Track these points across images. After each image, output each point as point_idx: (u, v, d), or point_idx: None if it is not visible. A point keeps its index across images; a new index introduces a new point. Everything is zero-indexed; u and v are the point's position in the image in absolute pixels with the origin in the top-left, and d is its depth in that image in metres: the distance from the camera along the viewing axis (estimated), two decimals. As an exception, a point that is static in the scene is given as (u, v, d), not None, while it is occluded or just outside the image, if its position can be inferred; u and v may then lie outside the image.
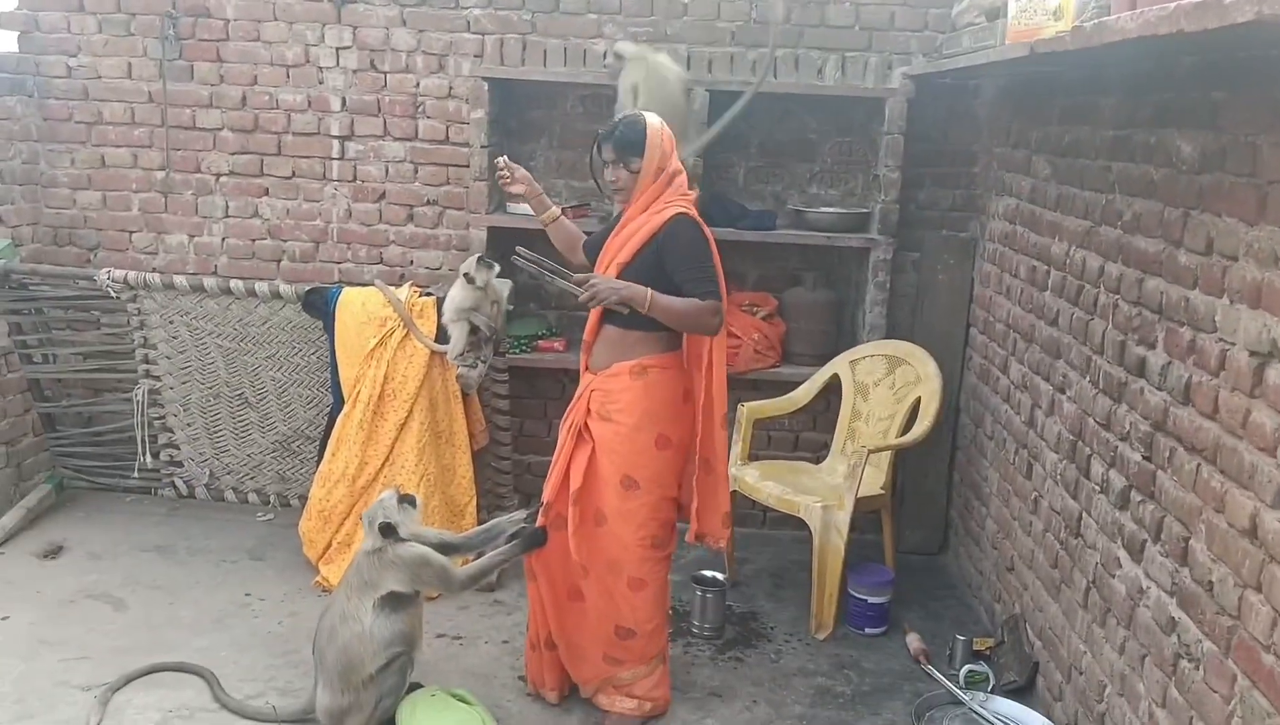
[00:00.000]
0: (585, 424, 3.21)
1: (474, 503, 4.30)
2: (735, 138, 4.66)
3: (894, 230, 4.42)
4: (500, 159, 3.44)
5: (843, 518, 3.81)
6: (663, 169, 3.10)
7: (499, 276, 4.08)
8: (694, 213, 3.11)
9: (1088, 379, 3.27)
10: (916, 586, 4.37)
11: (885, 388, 4.28)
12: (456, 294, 4.05)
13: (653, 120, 3.12)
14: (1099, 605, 3.10)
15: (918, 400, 4.13)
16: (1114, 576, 3.01)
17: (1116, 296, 3.09)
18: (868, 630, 3.96)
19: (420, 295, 4.28)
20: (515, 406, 4.58)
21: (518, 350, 4.58)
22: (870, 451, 3.84)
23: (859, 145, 4.67)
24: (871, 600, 3.94)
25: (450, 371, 4.18)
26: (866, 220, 4.53)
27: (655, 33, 4.56)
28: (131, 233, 4.90)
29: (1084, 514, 3.25)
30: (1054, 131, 3.70)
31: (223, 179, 4.83)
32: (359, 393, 4.16)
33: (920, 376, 4.17)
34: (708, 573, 4.01)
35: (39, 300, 4.59)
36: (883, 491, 4.10)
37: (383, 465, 4.16)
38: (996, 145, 4.38)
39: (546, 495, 3.28)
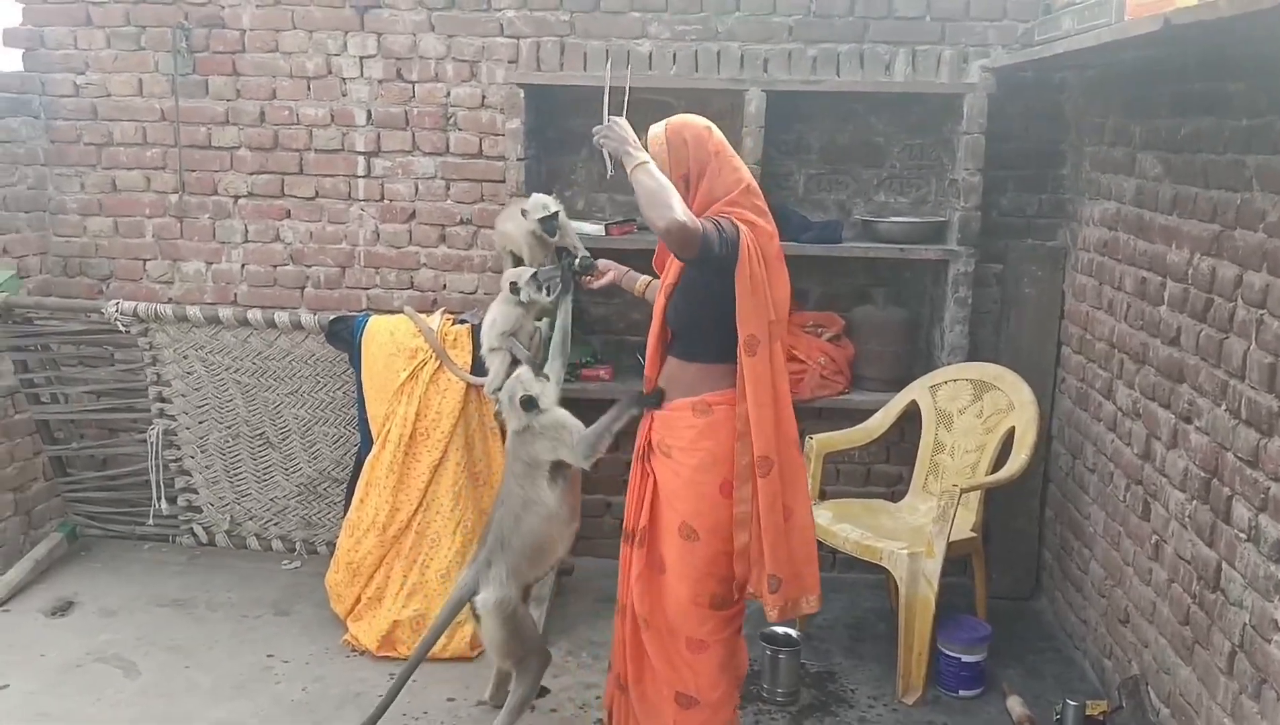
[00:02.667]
0: (648, 453, 2.85)
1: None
2: (795, 143, 4.26)
3: (975, 240, 3.98)
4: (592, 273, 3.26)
5: (933, 566, 3.37)
6: (685, 179, 2.68)
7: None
8: (738, 216, 2.65)
9: (1224, 407, 2.81)
10: (1010, 637, 3.90)
11: (972, 416, 3.84)
12: (496, 313, 3.63)
13: (654, 130, 2.73)
14: (1250, 674, 2.63)
15: (1011, 430, 3.68)
16: (1270, 641, 2.54)
17: (1262, 311, 2.63)
18: (962, 693, 3.51)
19: (453, 323, 3.91)
20: (559, 442, 4.18)
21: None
22: (963, 490, 3.39)
23: (932, 147, 4.24)
24: (966, 659, 3.49)
25: (488, 407, 3.79)
26: (943, 230, 4.09)
27: (704, 31, 4.16)
28: (146, 261, 4.57)
29: (1224, 565, 2.78)
30: (1165, 124, 3.25)
31: (241, 201, 4.49)
32: (388, 432, 3.78)
33: (1013, 403, 3.72)
34: (778, 628, 3.57)
35: (46, 335, 4.26)
36: (974, 534, 3.65)
37: (415, 511, 3.79)
38: (1089, 144, 3.94)
39: (627, 520, 2.97)
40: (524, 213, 3.64)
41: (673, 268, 2.75)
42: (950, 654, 3.51)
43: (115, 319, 4.06)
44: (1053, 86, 4.12)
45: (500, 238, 3.95)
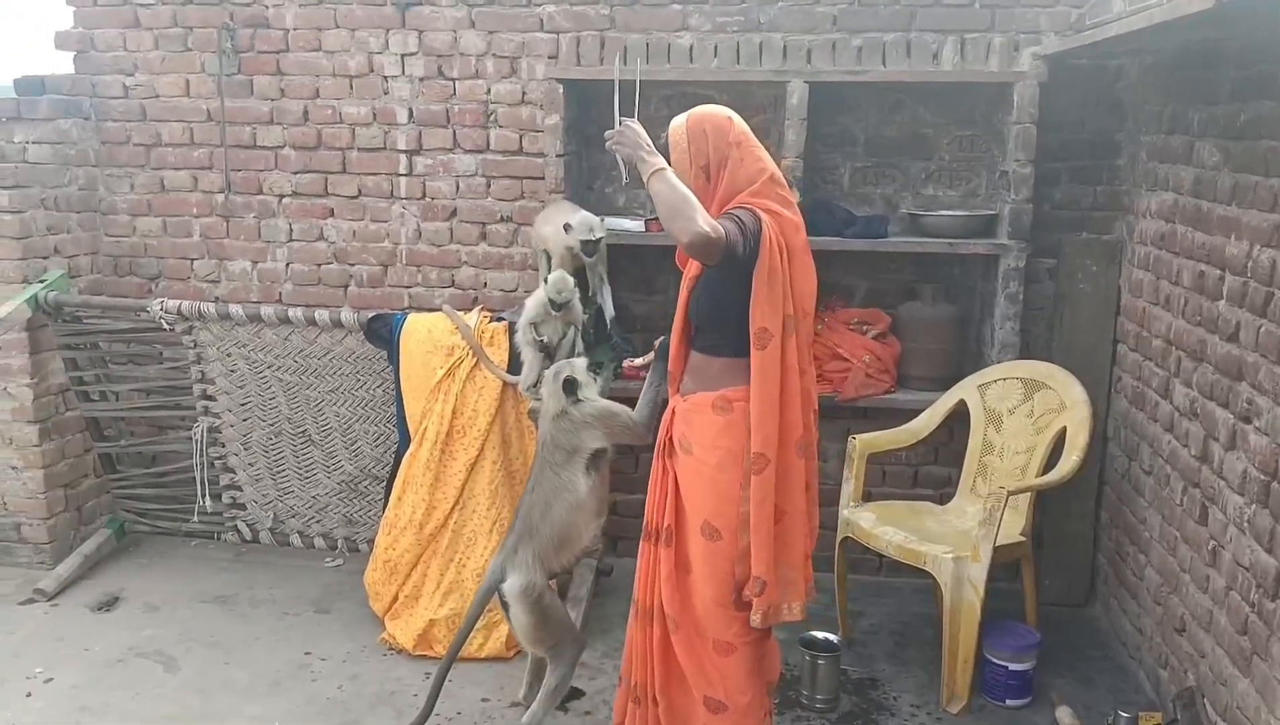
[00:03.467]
0: (669, 449, 2.78)
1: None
2: (839, 135, 4.16)
3: (1026, 234, 3.85)
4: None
5: (978, 571, 3.25)
6: (704, 167, 2.62)
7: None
8: (760, 207, 2.57)
9: (1286, 407, 2.66)
10: (1061, 645, 3.76)
11: (1022, 416, 3.71)
12: (530, 304, 3.64)
13: (675, 122, 2.67)
14: (1313, 689, 2.48)
15: (1062, 430, 3.54)
16: (1334, 655, 2.40)
17: (1327, 305, 2.49)
18: (1009, 702, 3.38)
19: (491, 320, 3.87)
20: (598, 441, 4.13)
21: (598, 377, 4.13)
22: (1010, 493, 3.27)
23: (982, 139, 4.11)
24: (1013, 667, 3.37)
25: (524, 405, 3.76)
26: (993, 223, 3.96)
27: (746, 22, 4.09)
28: (193, 260, 4.62)
29: (1286, 573, 2.64)
30: (1224, 111, 3.10)
31: (285, 200, 4.52)
32: (425, 429, 3.77)
33: (1065, 402, 3.59)
34: (818, 633, 3.47)
35: (94, 333, 4.32)
36: (1023, 538, 3.52)
37: (452, 509, 3.76)
38: (1145, 132, 3.78)
39: (648, 518, 2.88)
40: (567, 227, 3.65)
41: (694, 262, 2.69)
42: (997, 662, 3.39)
43: (160, 317, 4.10)
44: (1108, 74, 3.97)
45: (537, 238, 3.94)
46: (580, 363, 3.18)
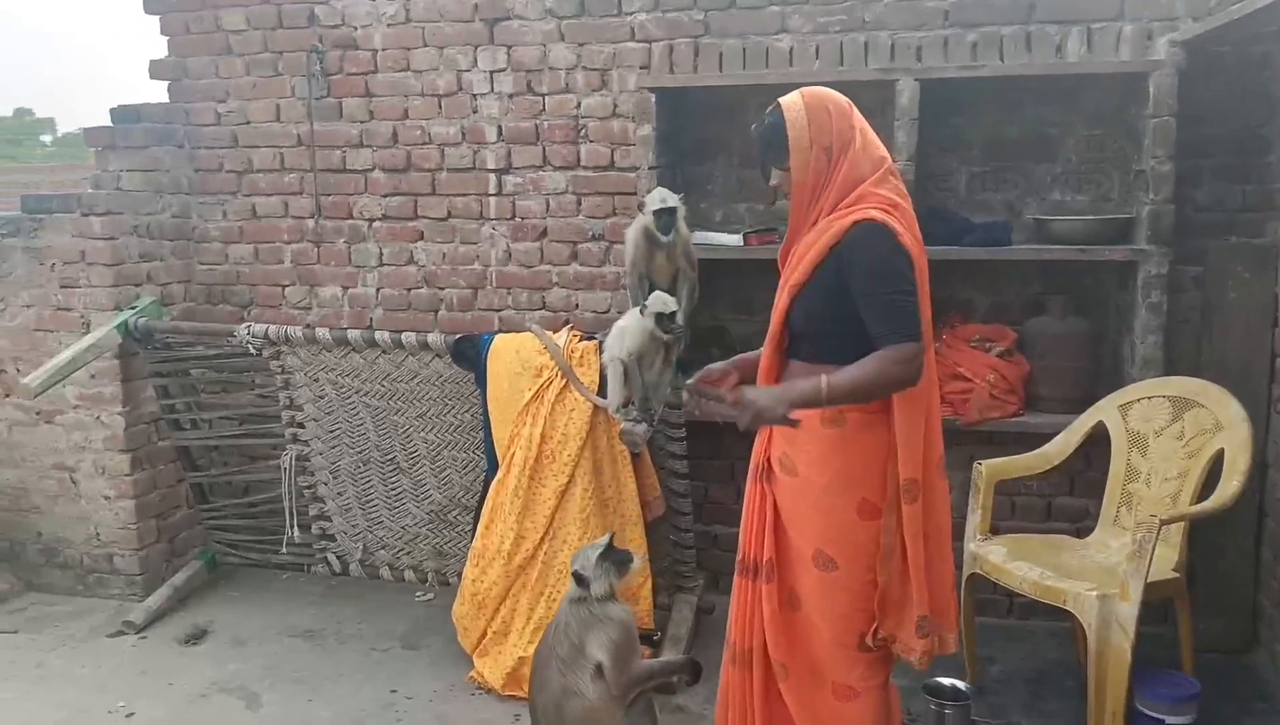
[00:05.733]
0: (767, 472, 2.50)
1: (649, 584, 3.62)
2: (954, 137, 3.86)
3: (1169, 237, 3.48)
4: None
5: (1128, 610, 2.87)
6: (826, 149, 2.32)
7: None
8: (890, 218, 2.29)
9: None
10: (1219, 696, 3.32)
11: (1171, 438, 3.32)
12: (627, 324, 3.42)
13: (789, 100, 2.36)
14: None
15: (1219, 453, 3.15)
16: None
17: None
18: (1166, 760, 2.99)
19: (580, 340, 3.67)
20: (695, 468, 3.88)
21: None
22: (1163, 522, 2.89)
23: (1112, 137, 3.76)
24: (1170, 720, 2.98)
25: (616, 427, 3.53)
26: (1130, 228, 3.60)
27: (850, 20, 3.84)
28: (284, 287, 4.55)
29: None
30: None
31: (375, 224, 4.42)
32: (513, 455, 3.57)
33: (1220, 422, 3.19)
34: (945, 680, 3.13)
35: (185, 360, 4.26)
36: (1176, 574, 3.13)
37: (542, 539, 3.55)
38: (1302, 122, 3.40)
39: (741, 545, 2.58)
40: (641, 206, 3.46)
41: (802, 265, 2.38)
42: (1151, 714, 3.00)
43: (247, 342, 4.01)
44: (1254, 62, 3.59)
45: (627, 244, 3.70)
46: (593, 554, 2.80)
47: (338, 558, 4.38)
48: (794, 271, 2.42)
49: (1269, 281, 3.57)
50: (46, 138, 20.58)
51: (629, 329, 3.40)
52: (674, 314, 3.36)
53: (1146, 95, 3.48)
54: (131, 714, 3.43)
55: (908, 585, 2.40)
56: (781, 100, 2.38)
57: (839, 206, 2.33)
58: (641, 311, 3.38)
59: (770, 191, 3.14)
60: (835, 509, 2.38)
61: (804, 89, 2.41)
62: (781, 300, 2.45)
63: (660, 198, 3.43)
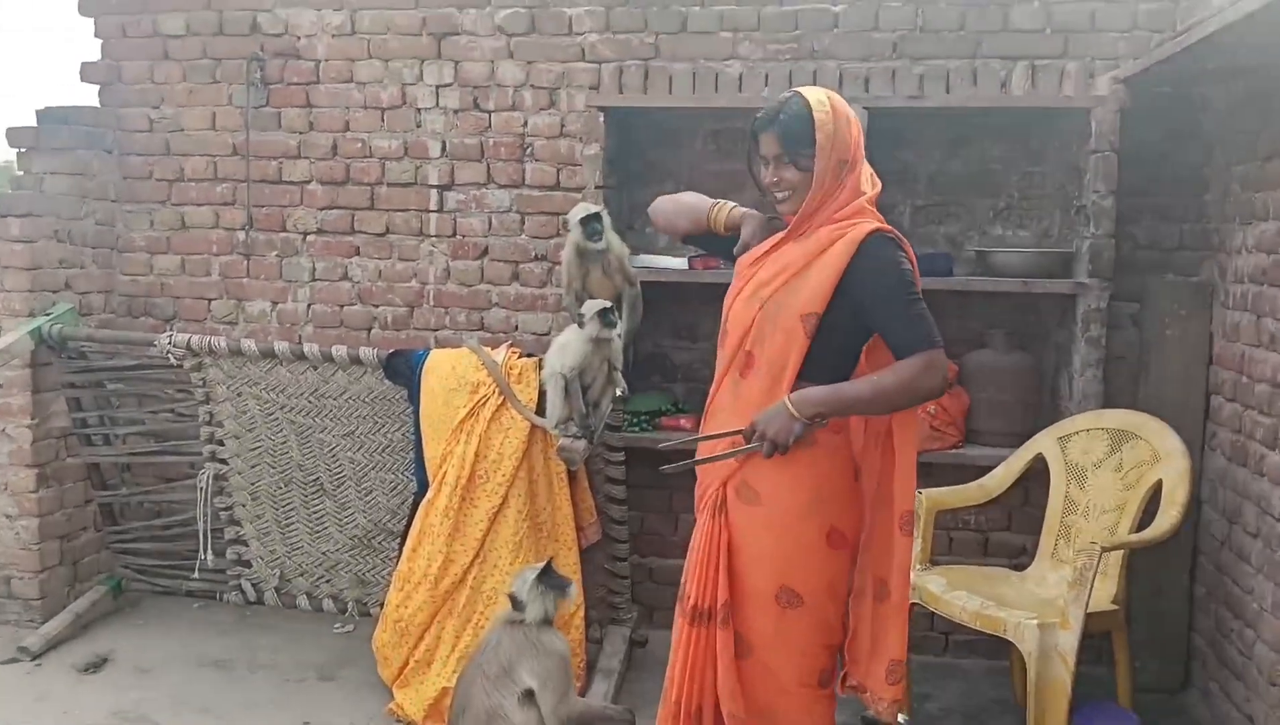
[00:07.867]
0: (722, 504, 2.35)
1: (581, 612, 3.48)
2: (900, 171, 3.87)
3: (1109, 271, 3.50)
4: None
5: (1068, 640, 2.82)
6: (844, 161, 2.24)
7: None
8: (889, 227, 2.26)
9: None
10: (1157, 735, 3.29)
11: (1109, 470, 3.31)
12: (569, 340, 3.33)
13: (816, 97, 2.25)
14: None
15: (1156, 485, 3.14)
16: None
17: None
18: (1106, 797, 2.92)
19: (519, 356, 3.57)
20: (635, 497, 3.78)
21: (637, 428, 3.80)
22: (1105, 549, 2.86)
23: (1054, 173, 3.81)
24: (1110, 755, 2.92)
25: (554, 448, 3.42)
26: (1070, 262, 3.63)
27: (799, 49, 3.85)
28: (211, 300, 4.38)
29: None
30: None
31: (310, 237, 4.29)
32: (445, 473, 3.44)
33: (1158, 454, 3.19)
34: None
35: (100, 371, 4.06)
36: (1115, 606, 3.10)
37: (471, 563, 3.41)
38: (1237, 162, 3.45)
39: (689, 589, 2.37)
40: (565, 223, 3.47)
41: (815, 295, 2.23)
42: (1091, 749, 2.94)
43: (168, 351, 3.83)
44: (1193, 104, 3.66)
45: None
46: (531, 575, 2.78)
47: (253, 585, 4.17)
48: (804, 300, 2.24)
49: (1204, 320, 3.60)
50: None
51: (570, 344, 3.32)
52: (611, 308, 3.31)
53: (1089, 131, 3.52)
54: (20, 743, 3.20)
55: (880, 628, 2.32)
56: (803, 91, 2.28)
57: (834, 220, 2.25)
58: (580, 324, 3.30)
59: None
60: (803, 536, 2.28)
61: (826, 90, 2.31)
62: (740, 319, 2.32)
63: (583, 207, 3.44)
